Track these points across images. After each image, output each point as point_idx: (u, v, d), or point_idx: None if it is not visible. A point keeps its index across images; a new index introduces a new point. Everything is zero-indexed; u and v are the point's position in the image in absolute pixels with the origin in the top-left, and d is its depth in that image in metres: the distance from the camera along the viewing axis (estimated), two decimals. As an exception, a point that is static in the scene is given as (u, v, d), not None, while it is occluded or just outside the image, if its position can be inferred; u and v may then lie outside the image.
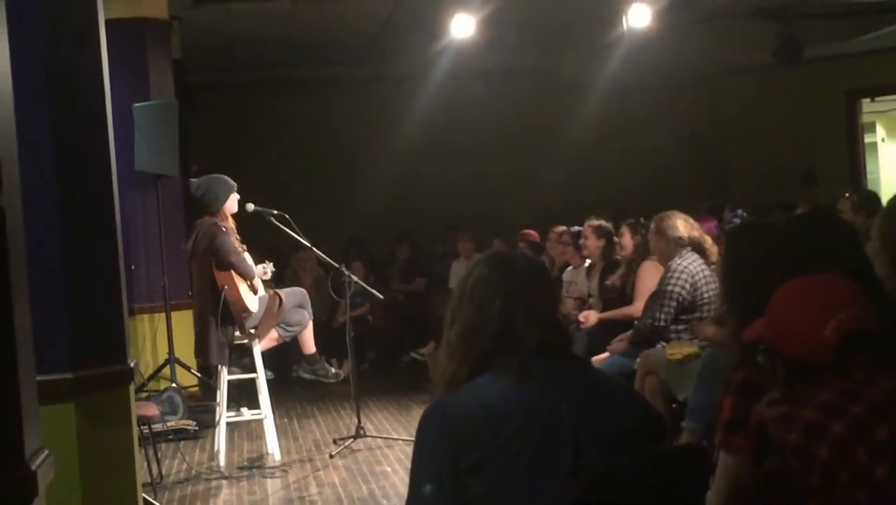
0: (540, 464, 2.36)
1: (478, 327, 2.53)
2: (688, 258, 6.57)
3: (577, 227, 9.14)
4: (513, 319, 2.50)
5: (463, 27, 10.24)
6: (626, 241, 7.82)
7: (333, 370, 8.20)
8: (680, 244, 6.63)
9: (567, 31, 11.42)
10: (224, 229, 7.27)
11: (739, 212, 10.13)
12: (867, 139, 15.73)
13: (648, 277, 7.17)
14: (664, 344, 6.42)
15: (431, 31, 10.70)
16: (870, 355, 2.43)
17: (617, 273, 7.92)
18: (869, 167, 15.57)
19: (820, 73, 13.89)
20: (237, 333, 7.40)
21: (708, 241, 6.73)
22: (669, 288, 6.52)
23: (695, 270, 6.52)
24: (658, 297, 6.61)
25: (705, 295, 6.51)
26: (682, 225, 6.67)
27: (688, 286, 6.49)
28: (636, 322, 6.98)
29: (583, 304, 8.47)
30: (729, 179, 15.14)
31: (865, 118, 15.43)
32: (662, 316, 6.54)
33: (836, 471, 2.28)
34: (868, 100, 15.14)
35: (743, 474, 2.64)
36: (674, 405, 5.99)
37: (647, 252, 7.45)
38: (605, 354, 7.00)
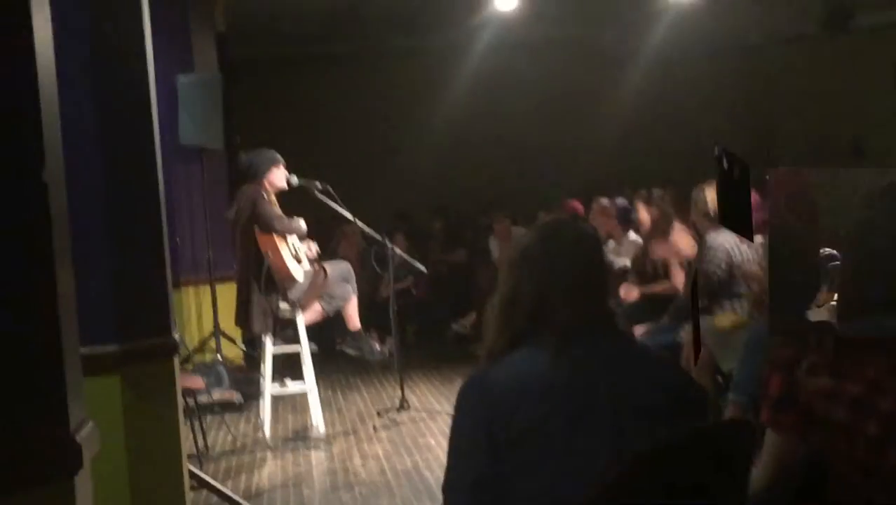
0: (578, 441, 2.33)
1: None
2: (724, 232, 6.36)
3: (622, 200, 9.01)
4: (553, 291, 2.46)
5: (505, -2, 10.17)
6: (644, 216, 7.71)
7: (378, 347, 8.23)
8: (710, 218, 6.49)
9: (610, 1, 11.30)
10: (265, 197, 7.28)
11: None
12: (917, 109, 15.47)
13: (679, 242, 7.06)
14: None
15: (474, 3, 10.63)
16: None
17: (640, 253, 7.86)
18: (918, 138, 15.33)
19: (869, 42, 13.64)
20: (282, 305, 7.42)
21: None
22: (704, 266, 6.38)
23: (730, 246, 6.37)
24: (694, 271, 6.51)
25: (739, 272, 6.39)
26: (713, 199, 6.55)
27: (723, 265, 6.35)
28: (675, 298, 6.92)
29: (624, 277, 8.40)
30: (775, 151, 14.94)
31: (915, 88, 15.18)
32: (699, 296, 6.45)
33: (883, 447, 2.25)
34: (918, 69, 14.89)
35: (790, 453, 2.60)
36: (719, 378, 5.94)
37: (664, 225, 7.32)
38: (647, 326, 6.97)
